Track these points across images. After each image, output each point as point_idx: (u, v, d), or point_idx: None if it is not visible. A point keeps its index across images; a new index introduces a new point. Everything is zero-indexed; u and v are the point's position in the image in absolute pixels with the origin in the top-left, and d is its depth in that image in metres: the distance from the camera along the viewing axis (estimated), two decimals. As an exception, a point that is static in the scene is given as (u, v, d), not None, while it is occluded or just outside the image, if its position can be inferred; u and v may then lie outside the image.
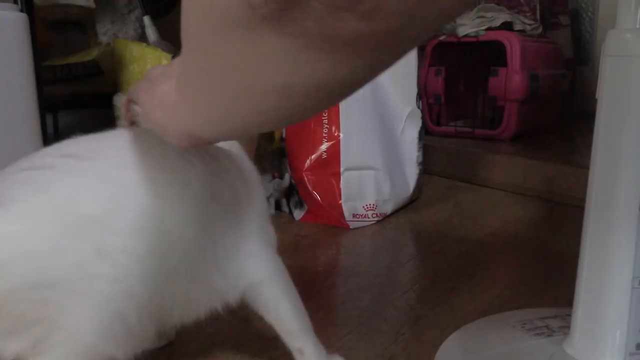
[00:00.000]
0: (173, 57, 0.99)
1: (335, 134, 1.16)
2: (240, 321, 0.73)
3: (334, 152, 1.16)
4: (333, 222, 1.14)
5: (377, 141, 1.19)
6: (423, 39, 0.27)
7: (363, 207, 1.15)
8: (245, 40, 0.25)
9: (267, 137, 1.20)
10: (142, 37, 1.50)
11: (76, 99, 1.28)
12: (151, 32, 1.35)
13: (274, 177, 1.21)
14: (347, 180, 1.15)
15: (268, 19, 0.24)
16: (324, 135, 1.16)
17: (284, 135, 1.20)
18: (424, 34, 0.26)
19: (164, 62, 0.99)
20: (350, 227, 1.12)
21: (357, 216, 1.14)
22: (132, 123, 0.90)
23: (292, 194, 1.22)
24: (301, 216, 1.18)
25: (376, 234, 1.10)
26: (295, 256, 0.97)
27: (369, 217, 1.15)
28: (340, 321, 0.73)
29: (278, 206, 1.23)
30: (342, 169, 1.15)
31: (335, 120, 1.16)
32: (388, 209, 1.18)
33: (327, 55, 0.24)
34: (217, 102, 0.33)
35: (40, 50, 0.96)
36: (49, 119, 1.13)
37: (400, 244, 1.05)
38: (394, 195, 1.19)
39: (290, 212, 1.22)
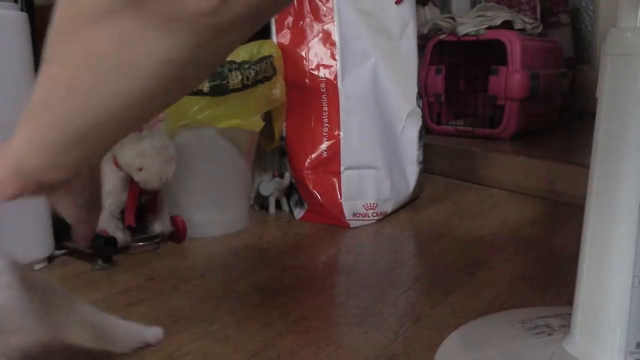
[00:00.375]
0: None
1: (336, 133, 1.16)
2: (241, 320, 0.73)
3: (334, 151, 1.16)
4: (333, 221, 1.14)
5: (377, 140, 1.19)
6: (254, 25, 0.31)
7: (363, 206, 1.15)
8: (107, 25, 0.29)
9: (267, 136, 1.20)
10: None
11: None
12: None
13: (274, 176, 1.21)
14: (348, 179, 1.15)
15: (129, 4, 0.28)
16: (324, 134, 1.16)
17: (284, 134, 1.20)
18: (249, 20, 0.29)
19: None
20: (351, 226, 1.12)
21: (358, 215, 1.14)
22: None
23: (292, 193, 1.22)
24: (301, 215, 1.18)
25: (376, 233, 1.10)
26: (296, 255, 0.97)
27: (369, 216, 1.15)
28: (340, 320, 0.73)
29: (278, 205, 1.23)
30: (342, 168, 1.15)
31: (335, 119, 1.16)
32: (388, 208, 1.18)
33: (172, 33, 0.28)
34: (77, 93, 0.32)
35: (41, 50, 0.96)
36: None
37: (401, 243, 1.05)
38: (394, 195, 1.19)
39: (291, 211, 1.22)
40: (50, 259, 0.94)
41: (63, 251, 0.97)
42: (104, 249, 0.90)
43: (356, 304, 0.78)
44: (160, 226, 1.00)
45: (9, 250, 0.85)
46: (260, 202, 1.24)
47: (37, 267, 0.91)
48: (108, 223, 0.95)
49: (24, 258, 0.89)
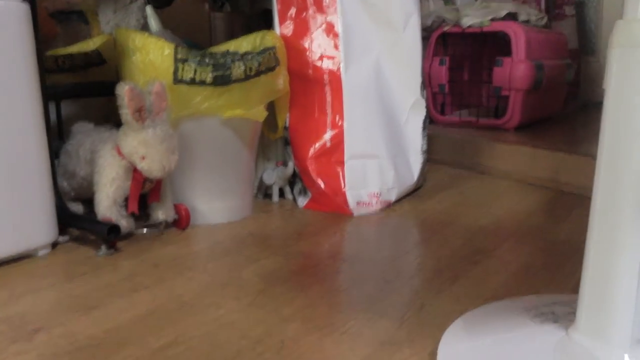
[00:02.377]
0: (176, 47, 0.99)
1: (339, 123, 1.15)
2: (245, 306, 0.73)
3: (338, 141, 1.15)
4: (337, 210, 1.14)
5: (381, 130, 1.19)
6: None
7: (367, 195, 1.15)
8: None
9: (271, 126, 1.20)
10: (144, 27, 1.49)
11: (79, 88, 1.28)
12: (153, 22, 1.34)
13: (277, 165, 1.21)
14: (351, 169, 1.15)
15: None
16: (328, 124, 1.16)
17: (287, 124, 1.20)
18: None
19: (167, 51, 0.99)
20: (354, 215, 1.12)
21: (361, 204, 1.14)
22: (136, 111, 0.90)
23: (295, 181, 1.22)
24: (305, 204, 1.18)
25: (380, 222, 1.10)
26: (300, 243, 0.97)
27: (372, 205, 1.15)
28: (344, 307, 0.73)
29: (282, 194, 1.23)
30: (346, 157, 1.15)
31: (339, 109, 1.16)
32: (392, 197, 1.18)
33: None
34: None
35: (43, 40, 0.96)
36: (52, 108, 1.13)
37: (405, 232, 1.05)
38: (398, 184, 1.19)
39: (294, 200, 1.22)
40: (54, 245, 0.94)
41: (67, 237, 0.97)
42: (107, 236, 0.90)
43: (360, 291, 0.78)
44: (163, 213, 1.00)
45: (9, 238, 0.86)
46: (264, 191, 1.24)
47: (41, 253, 0.91)
48: (112, 210, 0.95)
49: (28, 244, 0.89)
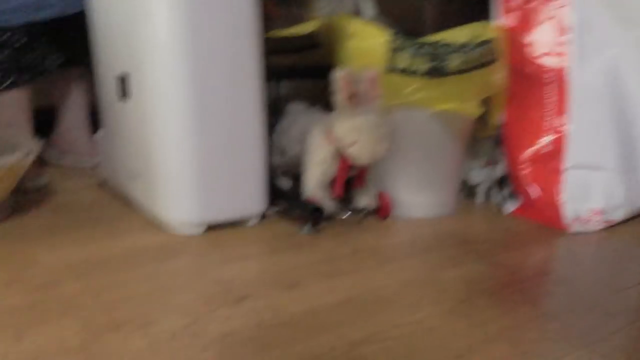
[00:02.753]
0: (392, 34, 0.97)
1: (562, 127, 1.04)
2: (446, 314, 0.69)
3: (559, 147, 1.04)
4: (548, 222, 1.03)
5: (612, 139, 1.05)
6: None
7: (587, 210, 1.02)
8: None
9: (481, 123, 1.12)
10: (358, 13, 1.50)
11: (295, 69, 1.33)
12: (368, 8, 1.34)
13: (486, 165, 1.13)
14: (572, 179, 1.03)
15: None
16: (548, 127, 1.05)
17: (501, 123, 1.11)
18: None
19: (383, 39, 0.98)
20: (570, 231, 1.01)
21: (579, 220, 1.01)
22: (350, 98, 0.90)
23: (505, 184, 1.13)
24: (513, 210, 1.09)
25: (600, 244, 0.97)
26: (506, 253, 0.89)
27: (593, 223, 1.01)
28: (558, 337, 0.65)
29: (487, 196, 1.15)
30: (566, 166, 1.03)
31: (562, 112, 1.04)
32: (619, 216, 1.03)
33: None
34: None
35: (265, 21, 1.00)
36: (270, 87, 1.18)
37: (629, 259, 0.91)
38: (627, 202, 1.04)
39: (500, 204, 1.13)
40: (263, 216, 0.99)
41: (274, 210, 1.01)
42: (311, 216, 0.92)
43: (577, 322, 0.69)
44: (366, 200, 1.00)
45: (226, 205, 0.91)
46: (468, 190, 1.17)
47: (250, 222, 0.96)
48: (317, 191, 0.97)
49: (241, 212, 0.94)
